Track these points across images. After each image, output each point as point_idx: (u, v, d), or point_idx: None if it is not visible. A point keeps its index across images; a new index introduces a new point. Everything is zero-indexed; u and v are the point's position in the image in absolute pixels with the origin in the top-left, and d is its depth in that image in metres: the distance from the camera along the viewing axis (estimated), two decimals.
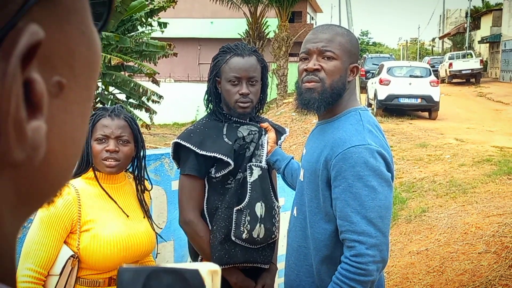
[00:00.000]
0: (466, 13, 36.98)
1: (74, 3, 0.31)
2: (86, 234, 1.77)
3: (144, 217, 1.94)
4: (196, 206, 1.99)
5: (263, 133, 2.06)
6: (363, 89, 16.55)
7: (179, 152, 2.03)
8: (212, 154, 1.94)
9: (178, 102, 20.99)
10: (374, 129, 1.70)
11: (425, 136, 10.76)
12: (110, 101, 10.86)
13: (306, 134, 12.18)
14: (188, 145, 1.96)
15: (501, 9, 29.82)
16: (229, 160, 1.94)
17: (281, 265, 3.07)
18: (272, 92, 20.48)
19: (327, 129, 1.75)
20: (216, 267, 0.59)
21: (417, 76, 14.08)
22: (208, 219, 2.01)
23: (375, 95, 14.00)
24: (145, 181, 2.01)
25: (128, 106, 10.90)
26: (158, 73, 12.42)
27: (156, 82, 12.32)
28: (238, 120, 2.03)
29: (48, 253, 1.73)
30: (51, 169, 0.32)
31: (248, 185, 1.98)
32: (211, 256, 1.97)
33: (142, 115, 12.37)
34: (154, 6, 10.91)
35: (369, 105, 14.70)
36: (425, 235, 5.35)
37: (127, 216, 1.87)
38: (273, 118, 14.84)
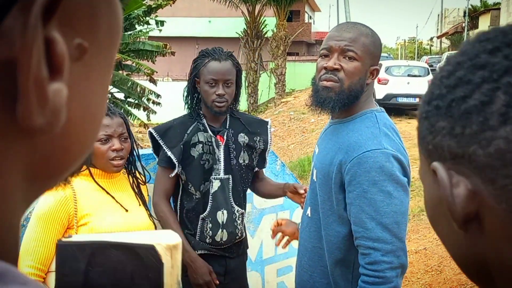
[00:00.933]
0: (464, 13, 37.03)
1: None
2: (83, 228, 1.77)
3: (140, 205, 1.97)
4: (162, 191, 2.20)
5: (220, 145, 2.23)
6: None
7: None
8: (168, 153, 2.15)
9: (176, 101, 20.92)
10: (390, 132, 1.66)
11: None
12: (108, 100, 10.82)
13: (304, 133, 12.18)
14: (157, 137, 2.18)
15: (499, 9, 29.85)
16: (175, 161, 2.14)
17: (284, 262, 3.04)
18: (270, 91, 20.46)
19: (341, 130, 1.71)
20: (176, 240, 0.51)
21: (415, 76, 14.10)
22: (178, 214, 2.25)
23: (373, 94, 13.99)
24: (139, 174, 2.06)
25: (126, 105, 10.86)
26: (156, 72, 12.40)
27: (153, 81, 12.29)
28: (207, 123, 2.23)
29: (47, 250, 1.73)
30: (68, 142, 0.30)
31: (210, 196, 2.20)
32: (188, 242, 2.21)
33: (140, 114, 12.34)
34: (152, 4, 10.86)
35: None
36: (423, 234, 5.34)
37: (126, 210, 1.88)
38: (271, 117, 14.83)
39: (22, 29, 0.23)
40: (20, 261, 1.71)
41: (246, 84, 19.70)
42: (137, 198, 1.97)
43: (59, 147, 0.29)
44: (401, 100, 13.58)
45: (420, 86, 13.54)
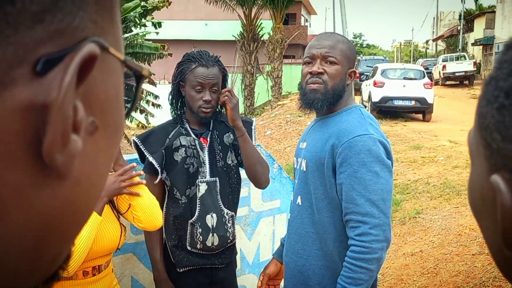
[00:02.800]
0: (460, 16, 37.18)
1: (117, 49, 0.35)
2: None
3: (113, 214, 1.94)
4: None
5: (204, 147, 2.21)
6: (357, 91, 16.59)
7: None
8: (150, 159, 2.14)
9: None
10: (373, 123, 1.89)
11: (419, 138, 10.80)
12: None
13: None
14: (139, 143, 2.17)
15: (494, 12, 29.98)
16: (157, 166, 2.13)
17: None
18: (267, 94, 20.48)
19: (329, 122, 1.92)
20: None
21: (411, 78, 14.15)
22: (165, 222, 2.21)
23: (369, 97, 14.04)
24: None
25: (142, 103, 10.83)
26: (154, 74, 12.40)
27: (153, 83, 12.28)
28: (190, 127, 2.22)
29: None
30: (76, 197, 0.34)
31: (197, 200, 2.18)
32: (172, 258, 2.21)
33: (137, 116, 12.33)
34: (148, 6, 10.85)
35: (363, 107, 14.74)
36: (419, 236, 5.36)
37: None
38: (268, 120, 14.84)
39: (60, 83, 0.30)
40: None
41: (243, 87, 19.72)
42: (111, 210, 1.95)
43: (69, 202, 0.33)
44: (397, 102, 13.62)
45: (416, 89, 13.59)
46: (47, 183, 0.31)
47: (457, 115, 14.66)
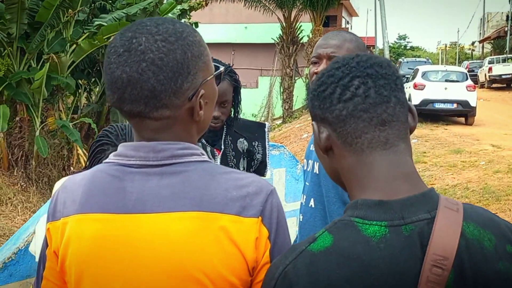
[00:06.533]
0: (507, 17, 35.96)
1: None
2: None
3: None
4: None
5: (216, 155, 2.19)
6: None
7: None
8: None
9: None
10: None
11: (460, 142, 10.51)
12: None
13: None
14: None
15: None
16: None
17: None
18: (306, 97, 20.35)
19: None
20: None
21: (453, 81, 13.80)
22: None
23: (409, 100, 13.77)
24: None
25: None
26: None
27: None
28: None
29: None
30: (202, 124, 1.04)
31: None
32: None
33: None
34: (185, 6, 10.99)
35: None
36: None
37: None
38: (305, 123, 14.78)
39: (196, 100, 0.98)
40: None
41: (281, 90, 19.71)
42: None
43: (201, 126, 1.04)
44: (438, 105, 13.29)
45: (458, 91, 13.23)
46: (195, 124, 1.06)
47: (501, 118, 14.20)
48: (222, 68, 1.12)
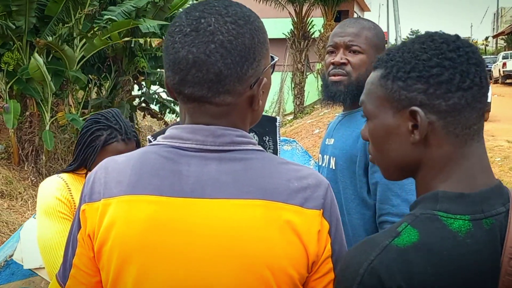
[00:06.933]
0: None
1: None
2: None
3: None
4: None
5: None
6: None
7: None
8: None
9: None
10: None
11: None
12: (154, 100, 10.97)
13: None
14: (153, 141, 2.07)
15: None
16: None
17: None
18: (317, 93, 20.24)
19: (358, 118, 1.77)
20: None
21: None
22: None
23: None
24: None
25: (172, 105, 10.98)
26: None
27: None
28: None
29: None
30: (257, 113, 1.01)
31: None
32: None
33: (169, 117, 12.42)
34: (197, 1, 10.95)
35: None
36: None
37: None
38: (316, 119, 14.68)
39: (258, 89, 0.95)
40: (52, 259, 1.70)
41: (293, 86, 19.59)
42: None
43: (255, 115, 1.01)
44: None
45: None
46: (252, 112, 1.04)
47: None
48: (277, 59, 1.07)
